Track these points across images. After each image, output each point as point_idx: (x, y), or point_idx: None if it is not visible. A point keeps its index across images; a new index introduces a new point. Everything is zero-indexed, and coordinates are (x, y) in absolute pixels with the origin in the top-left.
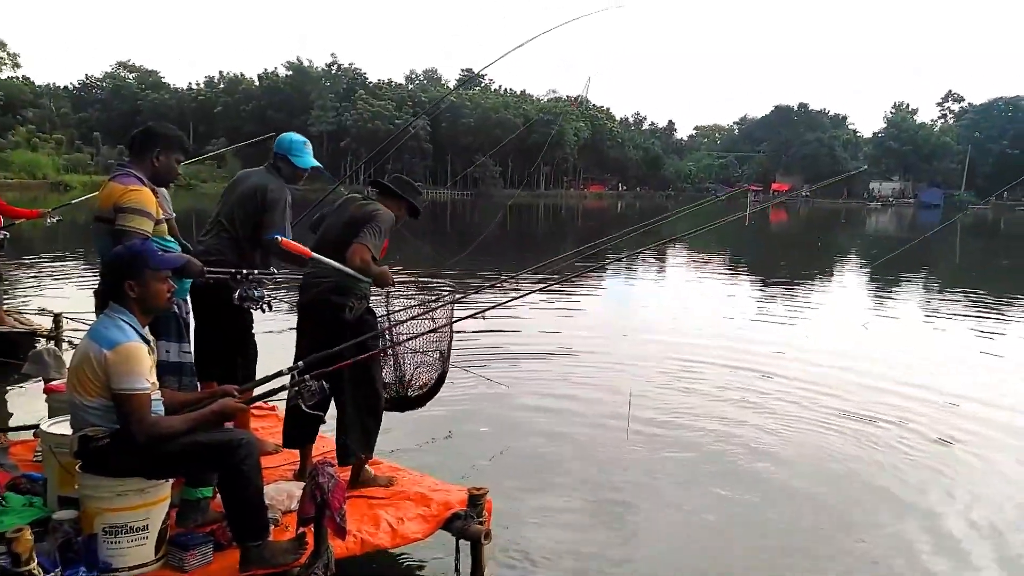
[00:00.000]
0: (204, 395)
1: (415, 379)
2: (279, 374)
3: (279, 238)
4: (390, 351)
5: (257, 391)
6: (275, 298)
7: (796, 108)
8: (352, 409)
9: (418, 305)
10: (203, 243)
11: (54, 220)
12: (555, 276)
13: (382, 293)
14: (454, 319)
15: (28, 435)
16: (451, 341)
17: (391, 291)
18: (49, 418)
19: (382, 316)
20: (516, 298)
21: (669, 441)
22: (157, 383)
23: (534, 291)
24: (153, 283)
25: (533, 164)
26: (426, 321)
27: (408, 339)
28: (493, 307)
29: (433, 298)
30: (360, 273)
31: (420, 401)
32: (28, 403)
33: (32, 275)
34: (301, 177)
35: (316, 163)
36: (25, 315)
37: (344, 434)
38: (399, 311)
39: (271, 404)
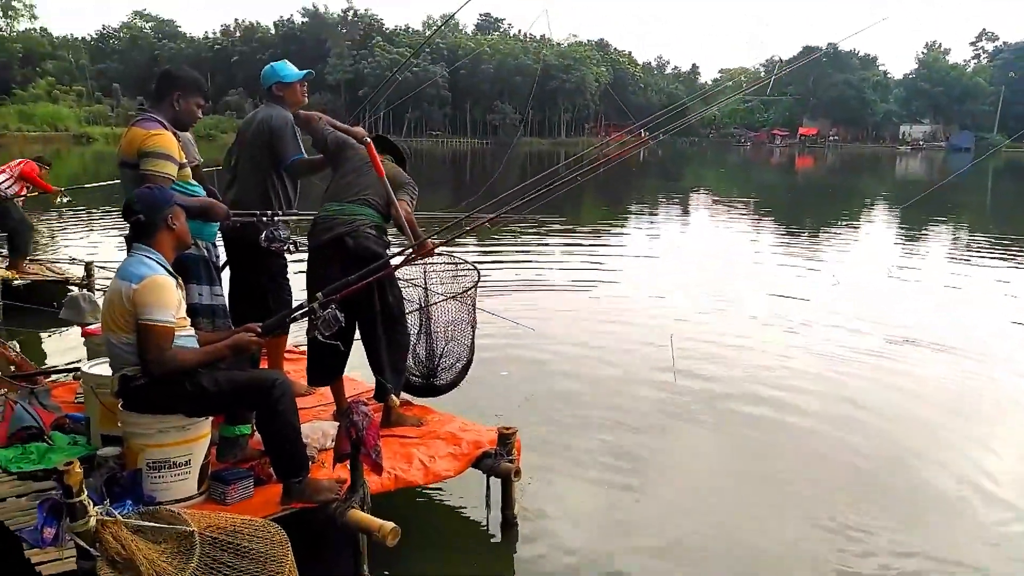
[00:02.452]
0: (230, 333)
1: (447, 354)
2: (299, 307)
3: (368, 141)
4: (422, 321)
5: (273, 323)
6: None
7: (824, 48)
8: (384, 347)
9: (449, 264)
10: (230, 188)
11: (65, 200)
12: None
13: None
14: (479, 273)
15: (68, 378)
16: (475, 318)
17: (429, 262)
18: (89, 360)
19: (419, 276)
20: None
21: (708, 386)
22: (187, 319)
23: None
24: (184, 219)
25: (552, 111)
26: (456, 287)
27: (438, 299)
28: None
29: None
30: (402, 227)
31: (443, 389)
32: (66, 348)
33: (61, 227)
34: (303, 92)
35: (305, 71)
36: (57, 264)
37: (379, 369)
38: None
39: (303, 348)
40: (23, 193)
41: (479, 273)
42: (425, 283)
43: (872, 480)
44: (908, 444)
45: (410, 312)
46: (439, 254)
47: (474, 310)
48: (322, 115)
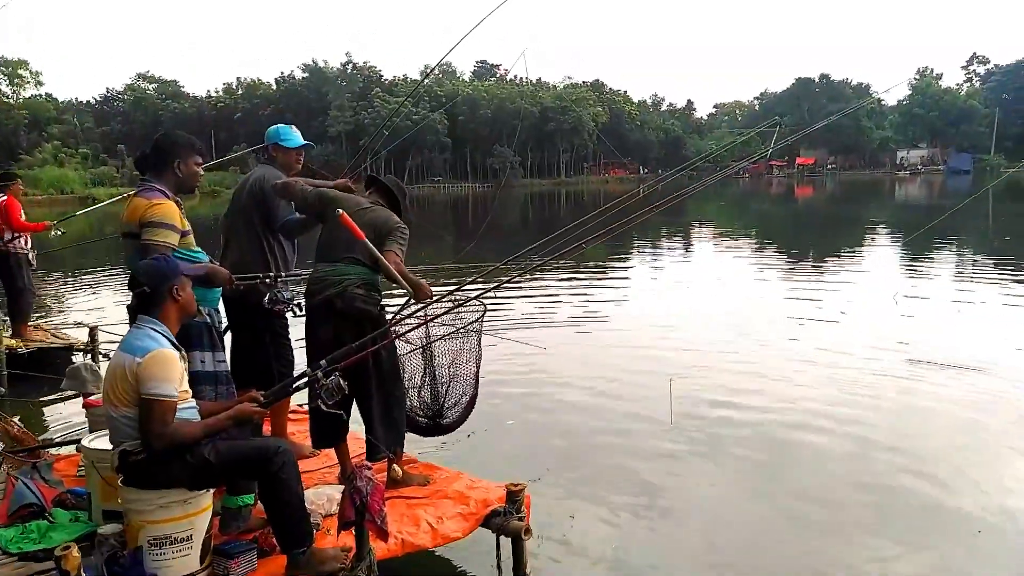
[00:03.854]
0: (232, 403)
1: (449, 395)
2: (303, 375)
3: (340, 212)
4: (426, 363)
5: (274, 392)
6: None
7: (817, 79)
8: (379, 404)
9: (447, 297)
10: (228, 251)
11: (58, 233)
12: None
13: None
14: (485, 308)
15: (71, 450)
16: (480, 353)
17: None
18: (90, 432)
19: (416, 312)
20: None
21: (712, 427)
22: (189, 391)
23: (548, 261)
24: (189, 288)
25: (551, 152)
26: (457, 324)
27: (441, 338)
28: (509, 279)
29: (464, 283)
30: (394, 279)
31: (450, 427)
32: (68, 417)
33: (66, 290)
34: (298, 160)
35: (305, 141)
36: (61, 329)
37: (371, 430)
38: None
39: (307, 408)
40: (25, 247)
41: (485, 308)
42: (427, 326)
43: (890, 502)
44: (925, 465)
45: (411, 352)
46: (439, 296)
47: (480, 344)
48: (297, 178)
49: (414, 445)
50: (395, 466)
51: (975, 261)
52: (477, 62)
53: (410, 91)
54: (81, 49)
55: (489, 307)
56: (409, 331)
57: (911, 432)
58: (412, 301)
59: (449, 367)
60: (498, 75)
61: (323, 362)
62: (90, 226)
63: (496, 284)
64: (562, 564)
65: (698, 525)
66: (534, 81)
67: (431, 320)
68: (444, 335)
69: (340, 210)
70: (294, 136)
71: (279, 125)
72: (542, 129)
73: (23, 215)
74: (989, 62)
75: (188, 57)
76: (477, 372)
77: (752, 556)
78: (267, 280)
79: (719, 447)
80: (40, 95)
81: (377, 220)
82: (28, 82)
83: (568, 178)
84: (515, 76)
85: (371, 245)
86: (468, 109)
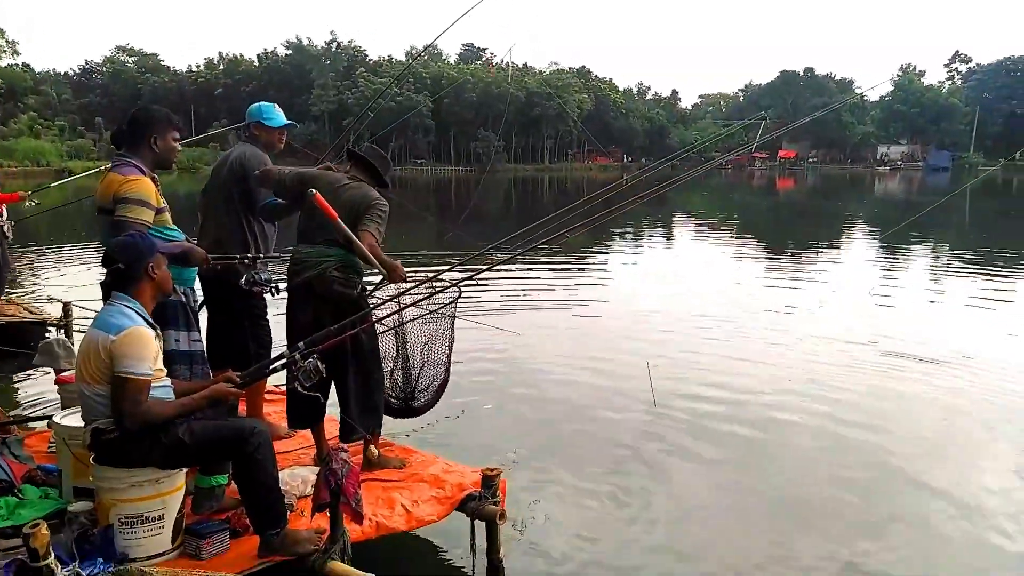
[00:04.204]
0: (208, 383)
1: (421, 378)
2: (280, 357)
3: (313, 192)
4: (399, 345)
5: (251, 373)
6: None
7: (802, 73)
8: (358, 385)
9: (423, 281)
10: (207, 230)
11: (33, 203)
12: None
13: (393, 287)
14: (460, 291)
15: (42, 425)
16: (453, 337)
17: (402, 286)
18: (62, 409)
19: (391, 298)
20: (508, 260)
21: (689, 413)
22: (164, 371)
23: (528, 250)
24: (165, 267)
25: (535, 138)
26: (431, 306)
27: (415, 319)
28: (491, 267)
29: (440, 271)
30: (368, 260)
31: (421, 410)
32: (40, 394)
33: (40, 263)
34: (280, 140)
35: (288, 120)
36: (34, 304)
37: (347, 411)
38: (404, 292)
39: (283, 388)
40: (1, 219)
41: (460, 291)
42: (399, 303)
43: (865, 497)
44: (901, 458)
45: (383, 333)
46: (414, 279)
47: (452, 328)
48: (275, 165)
49: (390, 428)
50: (371, 447)
51: (952, 256)
52: (463, 45)
53: (397, 74)
54: (60, 19)
55: (466, 292)
56: (387, 316)
57: (887, 421)
58: (386, 282)
59: (422, 350)
60: (484, 59)
61: (301, 344)
62: (64, 199)
63: (473, 272)
64: (536, 548)
65: (673, 511)
66: (520, 66)
67: (405, 306)
68: (417, 317)
69: (313, 190)
70: (277, 115)
71: (262, 103)
72: (527, 114)
73: None
74: (971, 61)
75: (170, 29)
76: (449, 356)
77: (724, 542)
78: (245, 261)
79: (696, 433)
80: (17, 64)
81: (354, 198)
82: (4, 51)
83: (552, 164)
84: (501, 60)
85: (343, 225)
86: (453, 92)
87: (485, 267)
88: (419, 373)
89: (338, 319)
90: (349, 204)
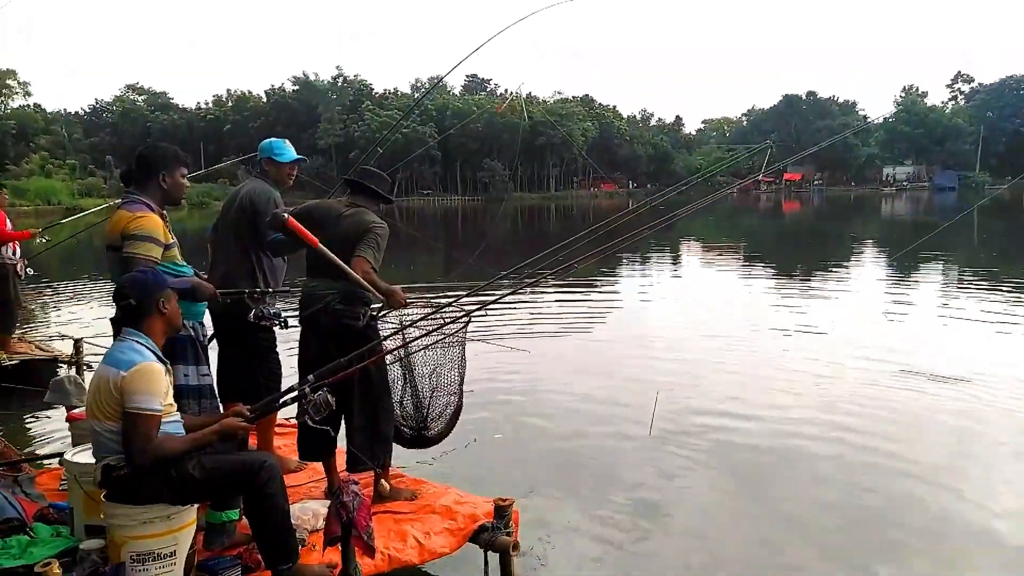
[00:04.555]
0: (218, 417)
1: (432, 406)
2: (290, 390)
3: (285, 216)
4: (405, 373)
5: (261, 407)
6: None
7: (804, 96)
8: (367, 414)
9: (429, 310)
10: (216, 265)
11: (43, 240)
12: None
13: (395, 312)
14: (469, 316)
15: (54, 463)
16: (464, 362)
17: (404, 313)
18: (73, 446)
19: (395, 326)
20: (521, 289)
21: (701, 439)
22: (174, 405)
23: (541, 279)
24: (175, 302)
25: (540, 166)
26: (435, 335)
27: (424, 348)
28: (500, 298)
29: (447, 302)
30: (362, 287)
31: (435, 439)
32: (52, 431)
33: (51, 301)
34: (290, 175)
35: (298, 156)
36: (46, 342)
37: (353, 442)
38: (411, 323)
39: (294, 421)
40: (13, 258)
41: (469, 318)
42: (403, 335)
43: (878, 515)
44: (917, 480)
45: (391, 363)
46: (417, 303)
47: (463, 354)
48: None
49: (401, 459)
50: (383, 481)
51: (962, 276)
52: (467, 76)
53: (403, 106)
54: (71, 60)
55: (474, 317)
56: (396, 349)
57: (900, 442)
58: (386, 309)
59: (430, 377)
60: (488, 90)
61: (310, 377)
62: (77, 239)
63: (482, 304)
64: None
65: (686, 540)
66: (525, 95)
67: (415, 337)
68: (424, 346)
69: (285, 212)
70: (287, 150)
71: (273, 139)
72: (532, 143)
73: (9, 225)
74: (974, 80)
75: (178, 67)
76: (461, 383)
77: (739, 571)
78: (254, 295)
79: (707, 459)
80: (28, 105)
81: (351, 226)
82: (16, 92)
83: (558, 192)
84: (510, 94)
85: (328, 252)
86: (458, 122)
87: (492, 299)
88: (430, 401)
89: (344, 352)
90: (346, 234)
